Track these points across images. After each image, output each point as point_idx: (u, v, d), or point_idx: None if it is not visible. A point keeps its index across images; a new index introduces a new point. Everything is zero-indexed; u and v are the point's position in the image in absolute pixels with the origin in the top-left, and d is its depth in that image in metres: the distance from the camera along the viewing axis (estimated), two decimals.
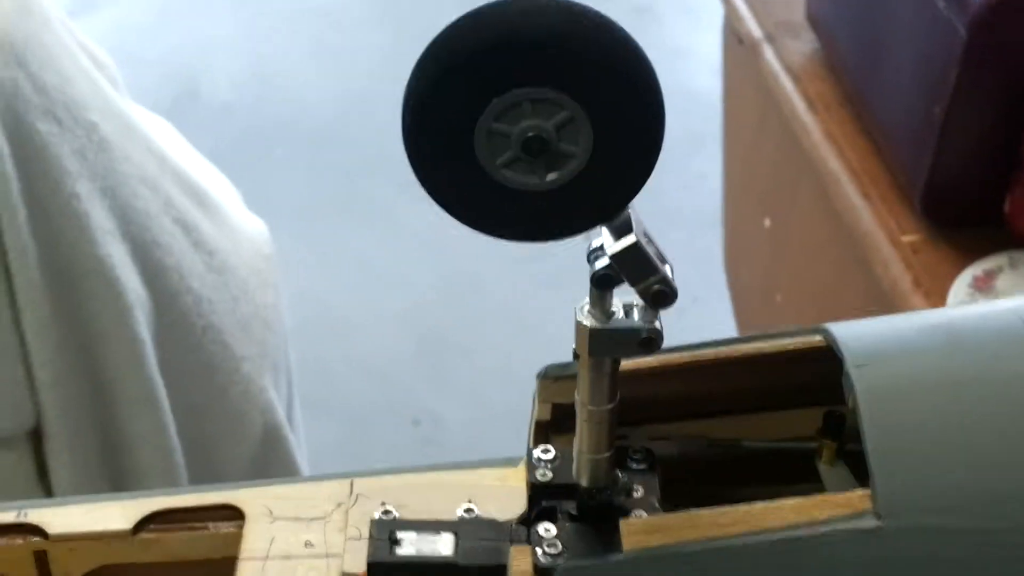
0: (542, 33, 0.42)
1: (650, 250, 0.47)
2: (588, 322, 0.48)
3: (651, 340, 0.48)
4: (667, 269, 0.47)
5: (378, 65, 2.43)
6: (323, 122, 2.35)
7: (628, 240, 0.46)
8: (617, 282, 0.47)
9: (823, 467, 0.55)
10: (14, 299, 1.00)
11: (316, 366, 1.74)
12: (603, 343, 0.48)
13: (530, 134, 0.43)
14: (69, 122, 1.01)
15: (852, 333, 0.50)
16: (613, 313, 0.48)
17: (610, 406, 0.51)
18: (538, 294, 1.97)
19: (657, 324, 0.48)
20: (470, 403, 1.82)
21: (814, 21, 1.28)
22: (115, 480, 1.09)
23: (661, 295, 0.47)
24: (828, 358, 0.51)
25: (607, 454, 0.52)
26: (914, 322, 0.51)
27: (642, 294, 0.47)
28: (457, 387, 1.85)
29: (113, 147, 1.05)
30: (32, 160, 0.98)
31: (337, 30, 2.55)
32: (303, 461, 1.29)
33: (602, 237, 0.48)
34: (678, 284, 0.47)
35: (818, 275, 1.30)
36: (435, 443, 1.80)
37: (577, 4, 0.43)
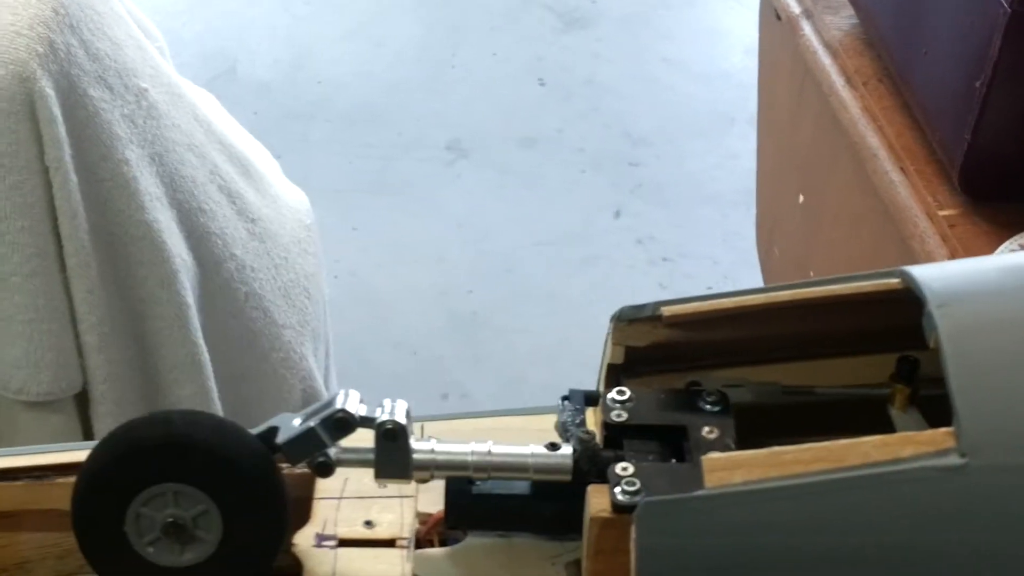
0: (176, 440, 0.54)
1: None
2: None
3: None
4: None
5: (414, 49, 2.43)
6: (359, 103, 2.35)
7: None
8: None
9: (895, 412, 0.55)
10: (63, 263, 1.01)
11: (348, 339, 1.75)
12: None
13: (169, 519, 0.55)
14: (120, 88, 1.01)
15: (932, 274, 0.50)
16: None
17: None
18: (570, 276, 1.97)
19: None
20: (498, 378, 1.82)
21: None
22: None
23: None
24: (901, 303, 0.51)
25: None
26: (993, 264, 0.51)
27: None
28: (486, 363, 1.85)
29: (161, 114, 1.05)
30: (84, 126, 0.99)
31: (374, 13, 2.56)
32: None
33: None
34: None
35: (853, 250, 1.30)
36: None
37: (214, 417, 0.57)
